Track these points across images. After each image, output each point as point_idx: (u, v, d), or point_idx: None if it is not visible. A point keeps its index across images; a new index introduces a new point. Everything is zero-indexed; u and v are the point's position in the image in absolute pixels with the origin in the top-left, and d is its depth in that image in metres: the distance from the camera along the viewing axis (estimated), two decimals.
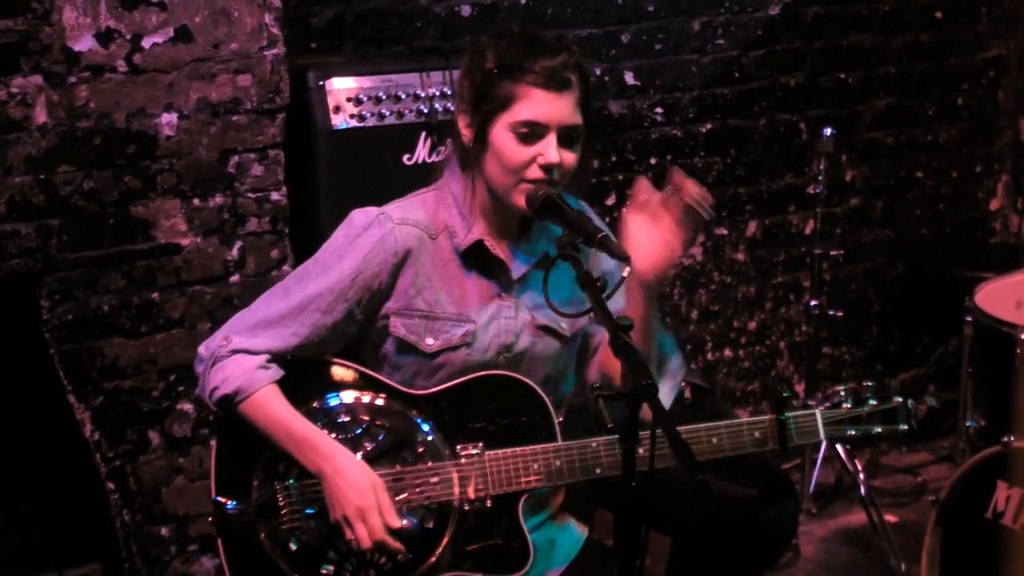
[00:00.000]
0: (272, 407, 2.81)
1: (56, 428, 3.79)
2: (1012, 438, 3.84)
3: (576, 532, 3.09)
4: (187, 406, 3.87)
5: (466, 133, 2.89)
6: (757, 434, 2.93)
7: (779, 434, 2.94)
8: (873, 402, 3.03)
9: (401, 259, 2.86)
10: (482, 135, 2.84)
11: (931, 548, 3.95)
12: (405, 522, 2.80)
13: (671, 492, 2.67)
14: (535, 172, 2.81)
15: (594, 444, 2.85)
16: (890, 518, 4.96)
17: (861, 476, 4.88)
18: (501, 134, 2.81)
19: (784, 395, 3.03)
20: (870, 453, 5.52)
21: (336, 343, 2.90)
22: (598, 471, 2.86)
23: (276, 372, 2.84)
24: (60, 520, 4.08)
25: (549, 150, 2.79)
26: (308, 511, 2.80)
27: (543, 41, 2.85)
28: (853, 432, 3.02)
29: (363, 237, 2.87)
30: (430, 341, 2.89)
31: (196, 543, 3.95)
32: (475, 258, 2.92)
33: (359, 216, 2.91)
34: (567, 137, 2.83)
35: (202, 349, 2.87)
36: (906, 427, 3.05)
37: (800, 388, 5.57)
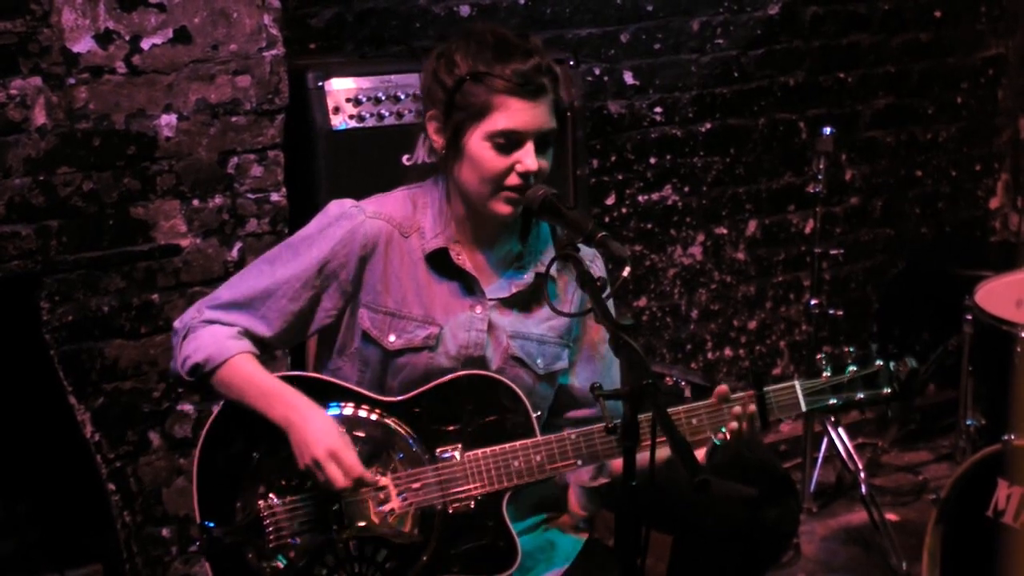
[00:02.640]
0: (244, 370, 2.81)
1: (57, 429, 3.79)
2: (1012, 436, 3.84)
3: (572, 539, 3.08)
4: (187, 407, 3.87)
5: (437, 139, 2.88)
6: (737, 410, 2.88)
7: (759, 409, 2.89)
8: (853, 368, 2.95)
9: (369, 252, 2.86)
10: (456, 143, 2.83)
11: (932, 547, 3.95)
12: (387, 530, 2.80)
13: (672, 491, 2.67)
14: (513, 179, 2.80)
15: (573, 436, 2.83)
16: (891, 517, 4.96)
17: (862, 475, 4.88)
18: (477, 144, 2.80)
19: (763, 373, 3.00)
20: (871, 452, 5.52)
21: (307, 329, 2.92)
22: (579, 463, 2.84)
23: (249, 345, 2.85)
24: (61, 521, 4.08)
25: (528, 158, 2.79)
26: (293, 528, 2.79)
27: (514, 44, 2.82)
28: (835, 400, 2.95)
29: (334, 227, 2.87)
30: (392, 339, 2.88)
31: (197, 544, 3.95)
32: (442, 265, 2.91)
33: (334, 206, 2.91)
34: (542, 143, 2.82)
35: (177, 323, 2.89)
36: (889, 390, 2.96)
37: None
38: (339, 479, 2.73)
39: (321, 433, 2.74)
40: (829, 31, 5.43)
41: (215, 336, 2.83)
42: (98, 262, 3.69)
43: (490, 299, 2.92)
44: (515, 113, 2.77)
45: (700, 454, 2.85)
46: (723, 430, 2.84)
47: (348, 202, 2.91)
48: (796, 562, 4.78)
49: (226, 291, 2.91)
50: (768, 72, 5.31)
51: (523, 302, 2.96)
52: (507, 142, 2.78)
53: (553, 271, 2.90)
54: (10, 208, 3.54)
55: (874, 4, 5.51)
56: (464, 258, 2.91)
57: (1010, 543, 3.76)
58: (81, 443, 3.75)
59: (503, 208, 2.83)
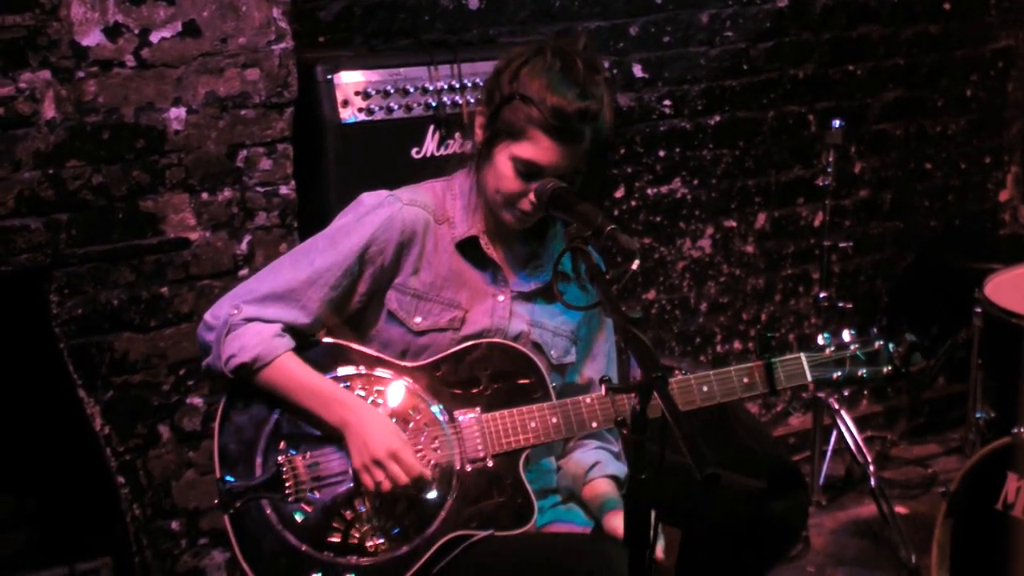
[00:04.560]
0: (293, 371, 2.86)
1: (66, 422, 3.79)
2: (1022, 429, 3.84)
3: (584, 516, 3.10)
4: (197, 400, 3.87)
5: (479, 134, 2.96)
6: (746, 379, 2.99)
7: (767, 377, 3.00)
8: (855, 346, 3.09)
9: (407, 238, 2.94)
10: (488, 148, 2.92)
11: (941, 540, 3.95)
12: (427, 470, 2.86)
13: (681, 484, 2.67)
14: (524, 204, 2.90)
15: (588, 400, 2.93)
16: (900, 510, 4.96)
17: (871, 468, 4.88)
18: (503, 159, 2.89)
19: (768, 335, 3.10)
20: (880, 445, 5.52)
21: (342, 314, 2.98)
22: (594, 425, 2.94)
23: (291, 341, 2.89)
24: (70, 514, 4.09)
25: None
26: (313, 483, 2.85)
27: (575, 78, 2.86)
28: (839, 374, 3.07)
29: (372, 215, 2.94)
30: (418, 320, 2.96)
31: (206, 537, 3.96)
32: (471, 252, 3.00)
33: (369, 197, 2.99)
34: (562, 178, 2.88)
35: (209, 317, 2.91)
36: (890, 368, 3.10)
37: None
38: (401, 477, 2.80)
39: (381, 435, 2.82)
40: (838, 23, 5.42)
41: (260, 335, 2.86)
42: (107, 255, 3.69)
43: (513, 290, 3.02)
44: (542, 149, 2.85)
45: None
46: None
47: (383, 192, 2.99)
48: (805, 555, 4.78)
49: (263, 283, 2.94)
50: (777, 65, 5.30)
51: (542, 296, 3.05)
52: (527, 171, 2.87)
53: (570, 271, 3.02)
54: (19, 201, 3.54)
55: None
56: (491, 249, 3.00)
57: (1019, 536, 3.76)
58: (90, 436, 3.76)
59: (508, 219, 2.95)
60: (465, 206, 2.99)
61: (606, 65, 4.84)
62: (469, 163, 3.03)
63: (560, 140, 2.84)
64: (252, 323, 2.87)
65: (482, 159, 2.94)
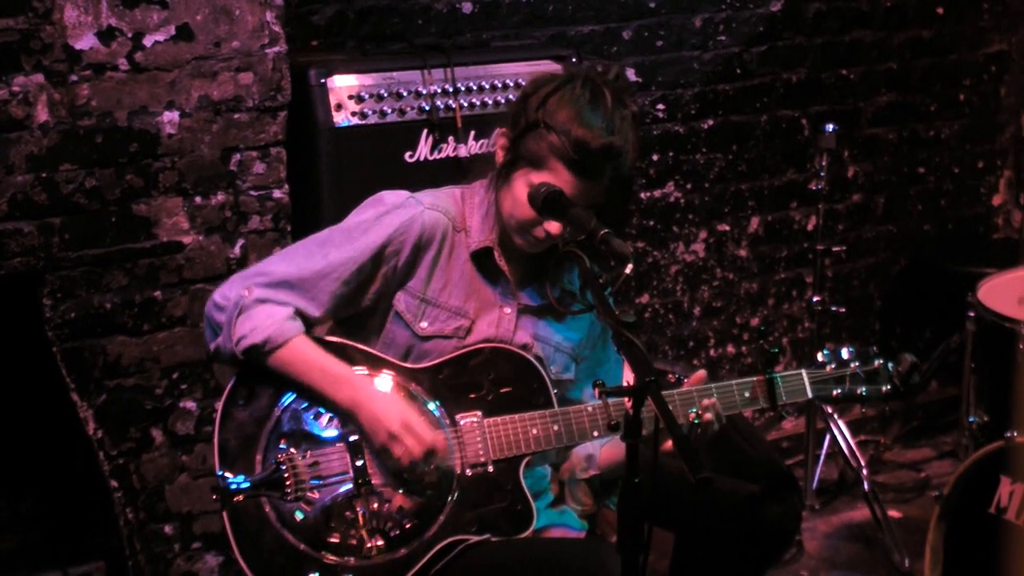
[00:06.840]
0: (306, 352, 2.87)
1: (59, 426, 3.79)
2: (1015, 433, 3.84)
3: (577, 520, 3.11)
4: (190, 404, 3.87)
5: (500, 155, 2.97)
6: (748, 394, 3.01)
7: (768, 392, 3.02)
8: (855, 364, 3.11)
9: (426, 242, 2.95)
10: (508, 171, 2.93)
11: (934, 543, 3.95)
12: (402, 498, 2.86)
13: (675, 488, 2.68)
14: (537, 231, 2.90)
15: (590, 408, 2.94)
16: (894, 514, 4.96)
17: (864, 472, 4.88)
18: (520, 185, 2.90)
19: (773, 351, 3.12)
20: (873, 449, 5.52)
21: (351, 310, 2.98)
22: (596, 434, 2.94)
23: (302, 325, 2.90)
24: (64, 518, 4.09)
25: (554, 225, 2.87)
26: (313, 482, 2.84)
27: (602, 112, 2.86)
28: (839, 391, 3.11)
29: (392, 215, 2.94)
30: (424, 325, 2.97)
31: (200, 541, 3.95)
32: (484, 263, 3.01)
33: (390, 195, 2.99)
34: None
35: (219, 297, 2.89)
36: (889, 387, 3.12)
37: None
38: (415, 449, 2.81)
39: (393, 411, 2.82)
40: (831, 28, 5.43)
41: (272, 317, 2.86)
42: (100, 259, 3.69)
43: (520, 304, 3.04)
44: (561, 181, 2.86)
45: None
46: (695, 410, 2.91)
47: (404, 193, 3.00)
48: (799, 559, 4.78)
49: (276, 268, 2.93)
50: (770, 69, 5.31)
51: (547, 312, 3.07)
52: None
53: (576, 289, 3.03)
54: (12, 205, 3.54)
55: (876, 1, 5.51)
56: (504, 262, 3.01)
57: (1012, 540, 3.76)
58: (84, 440, 3.75)
59: (520, 243, 2.96)
60: (483, 217, 3.00)
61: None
62: (489, 176, 3.03)
63: (579, 174, 2.84)
64: (264, 304, 2.86)
65: (501, 181, 2.95)
